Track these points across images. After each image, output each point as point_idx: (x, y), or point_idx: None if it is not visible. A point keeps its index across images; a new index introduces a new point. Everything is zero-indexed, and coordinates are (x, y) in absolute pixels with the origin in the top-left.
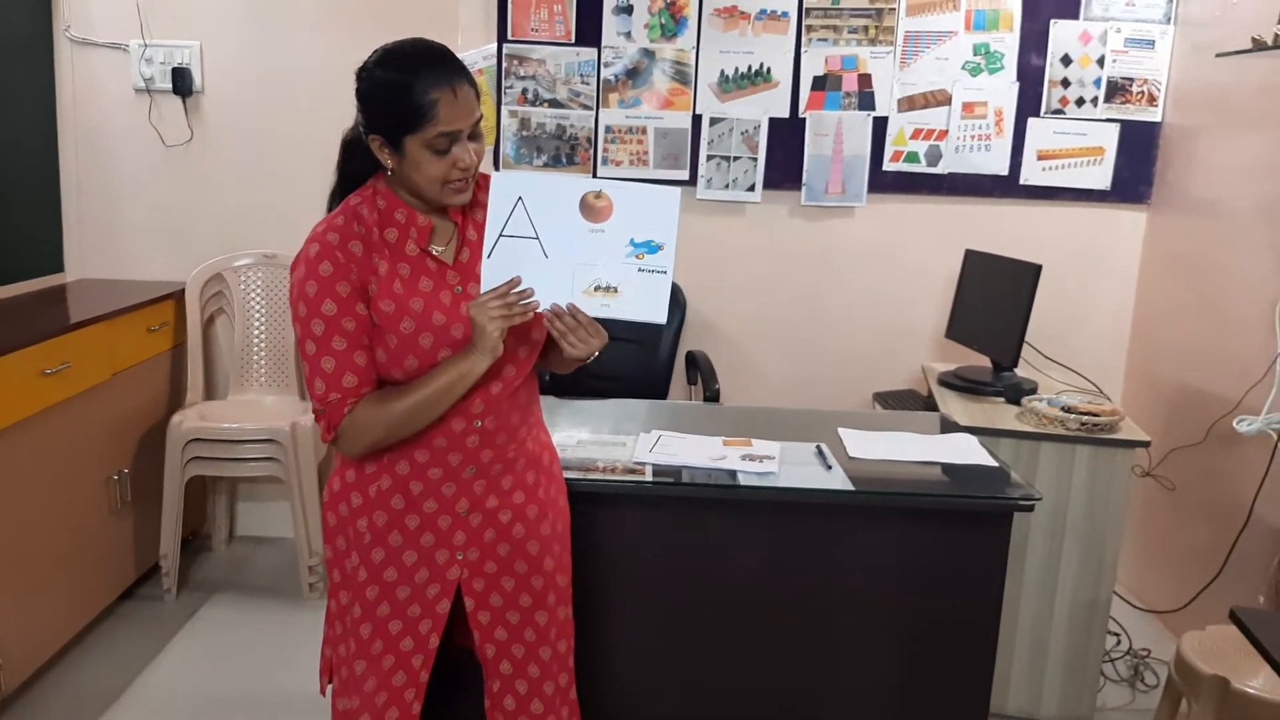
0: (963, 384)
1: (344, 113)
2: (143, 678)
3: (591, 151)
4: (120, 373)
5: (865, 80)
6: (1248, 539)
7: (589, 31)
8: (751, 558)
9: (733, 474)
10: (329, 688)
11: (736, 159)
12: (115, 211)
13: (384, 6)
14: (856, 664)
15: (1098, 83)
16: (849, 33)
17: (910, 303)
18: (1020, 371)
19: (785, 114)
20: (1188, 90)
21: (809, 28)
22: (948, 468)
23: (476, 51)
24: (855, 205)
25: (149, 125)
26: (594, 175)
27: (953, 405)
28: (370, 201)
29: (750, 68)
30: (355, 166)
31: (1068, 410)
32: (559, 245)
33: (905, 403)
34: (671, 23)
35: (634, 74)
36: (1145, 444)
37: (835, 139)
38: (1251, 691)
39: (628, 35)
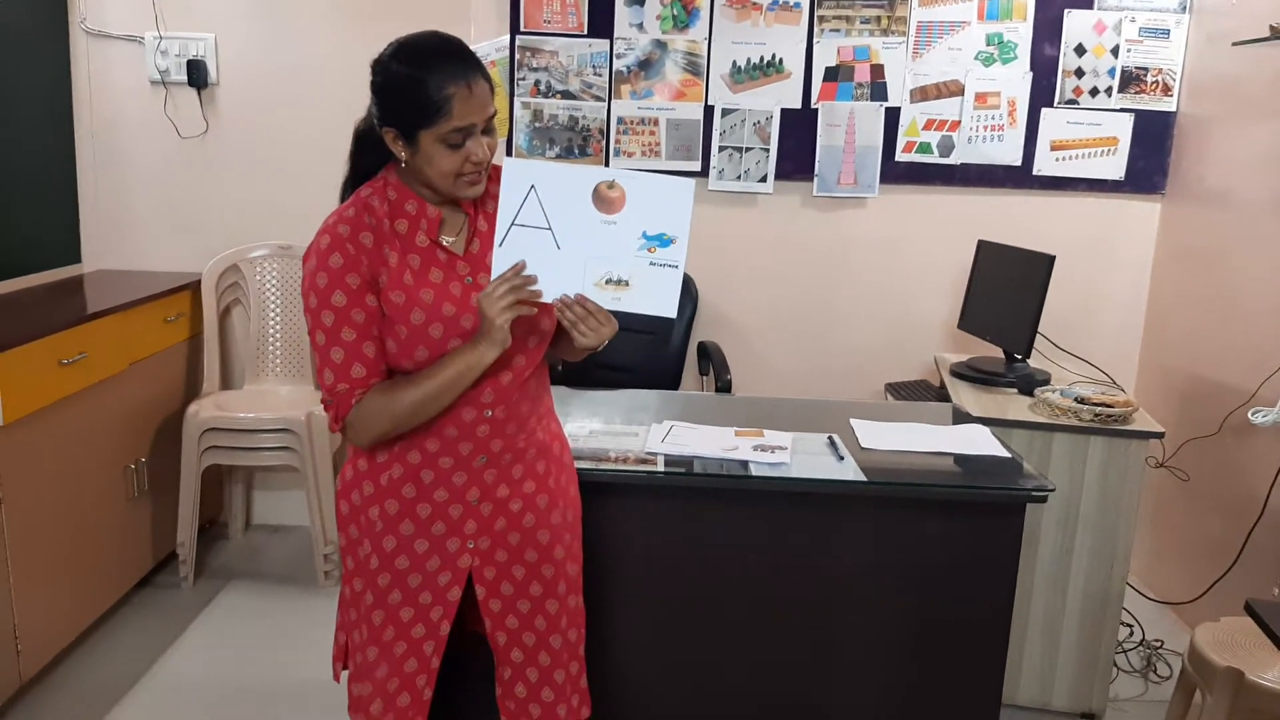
0: (975, 375)
1: (358, 105)
2: (159, 664)
3: (604, 143)
4: (137, 363)
5: (878, 71)
6: (1262, 531)
7: (601, 23)
8: (763, 548)
9: (745, 464)
10: (343, 674)
11: (748, 150)
12: (131, 203)
13: None
14: (868, 654)
15: (1112, 72)
16: (861, 23)
17: (923, 293)
18: (1033, 362)
19: (797, 105)
20: (1203, 80)
21: (821, 18)
22: (960, 459)
23: (489, 43)
24: (867, 196)
25: (164, 117)
26: (606, 166)
27: (965, 396)
28: (381, 193)
29: (762, 58)
30: (368, 157)
31: (1081, 401)
32: (571, 236)
33: (917, 393)
34: (683, 14)
35: (646, 65)
36: (1159, 435)
37: (847, 130)
38: (1266, 684)
39: (640, 26)
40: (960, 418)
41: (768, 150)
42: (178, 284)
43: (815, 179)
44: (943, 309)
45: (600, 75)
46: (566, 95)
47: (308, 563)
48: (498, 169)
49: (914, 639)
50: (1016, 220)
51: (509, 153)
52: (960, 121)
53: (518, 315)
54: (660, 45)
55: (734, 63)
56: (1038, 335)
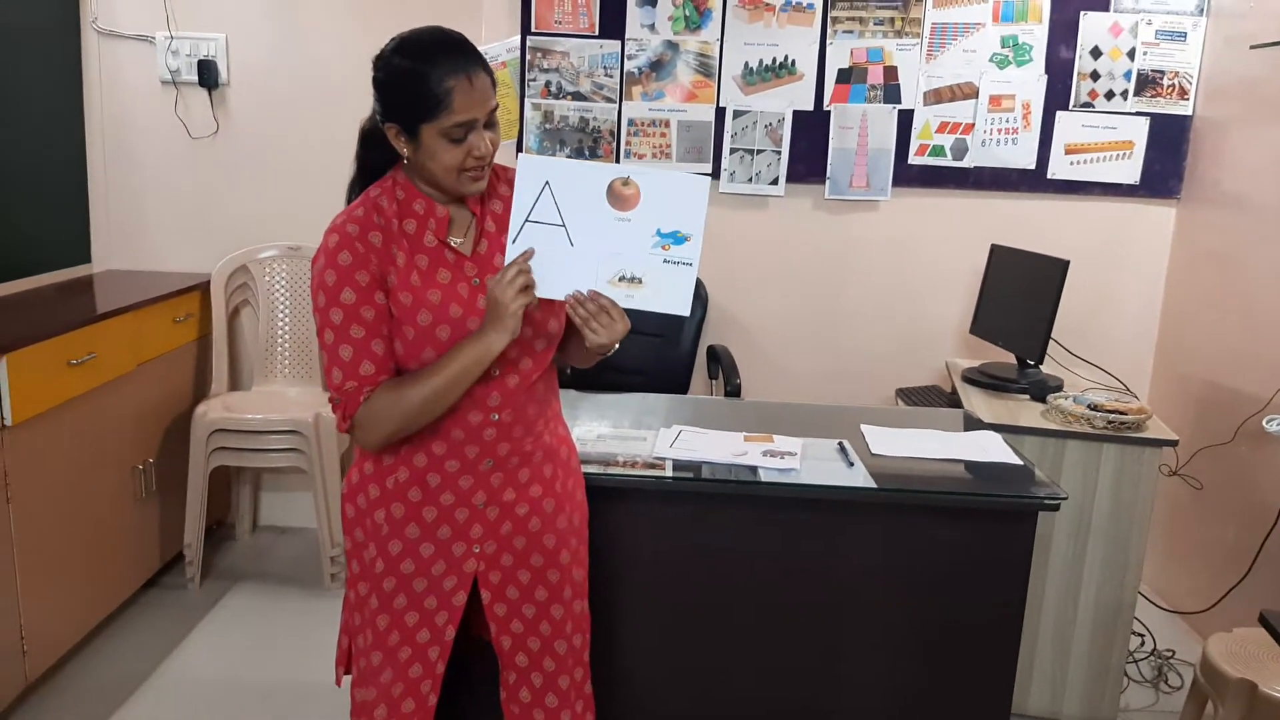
0: (987, 381)
1: (369, 105)
2: (166, 665)
3: (614, 144)
4: (146, 363)
5: (891, 73)
6: (1276, 540)
7: (612, 24)
8: (772, 555)
9: (754, 470)
10: (346, 678)
11: (760, 152)
12: (141, 203)
13: None
14: (877, 662)
15: (1128, 75)
16: (875, 24)
17: (934, 298)
18: (1046, 368)
19: (810, 107)
20: (1220, 83)
21: (834, 19)
22: (971, 465)
23: (500, 44)
24: (880, 199)
25: (175, 117)
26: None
27: (977, 402)
28: (390, 193)
29: (774, 60)
30: (374, 156)
31: (1094, 408)
32: (585, 233)
33: (928, 399)
34: (695, 15)
35: (657, 66)
36: (1173, 443)
37: (860, 132)
38: (1279, 696)
39: (651, 27)
40: (972, 424)
41: (779, 152)
42: (187, 284)
43: (827, 182)
44: (955, 314)
45: (611, 76)
46: (577, 96)
47: (315, 565)
48: (506, 170)
49: (923, 647)
50: (1030, 224)
51: (519, 153)
52: (974, 124)
53: (529, 302)
54: (672, 46)
55: (746, 64)
56: (1051, 341)
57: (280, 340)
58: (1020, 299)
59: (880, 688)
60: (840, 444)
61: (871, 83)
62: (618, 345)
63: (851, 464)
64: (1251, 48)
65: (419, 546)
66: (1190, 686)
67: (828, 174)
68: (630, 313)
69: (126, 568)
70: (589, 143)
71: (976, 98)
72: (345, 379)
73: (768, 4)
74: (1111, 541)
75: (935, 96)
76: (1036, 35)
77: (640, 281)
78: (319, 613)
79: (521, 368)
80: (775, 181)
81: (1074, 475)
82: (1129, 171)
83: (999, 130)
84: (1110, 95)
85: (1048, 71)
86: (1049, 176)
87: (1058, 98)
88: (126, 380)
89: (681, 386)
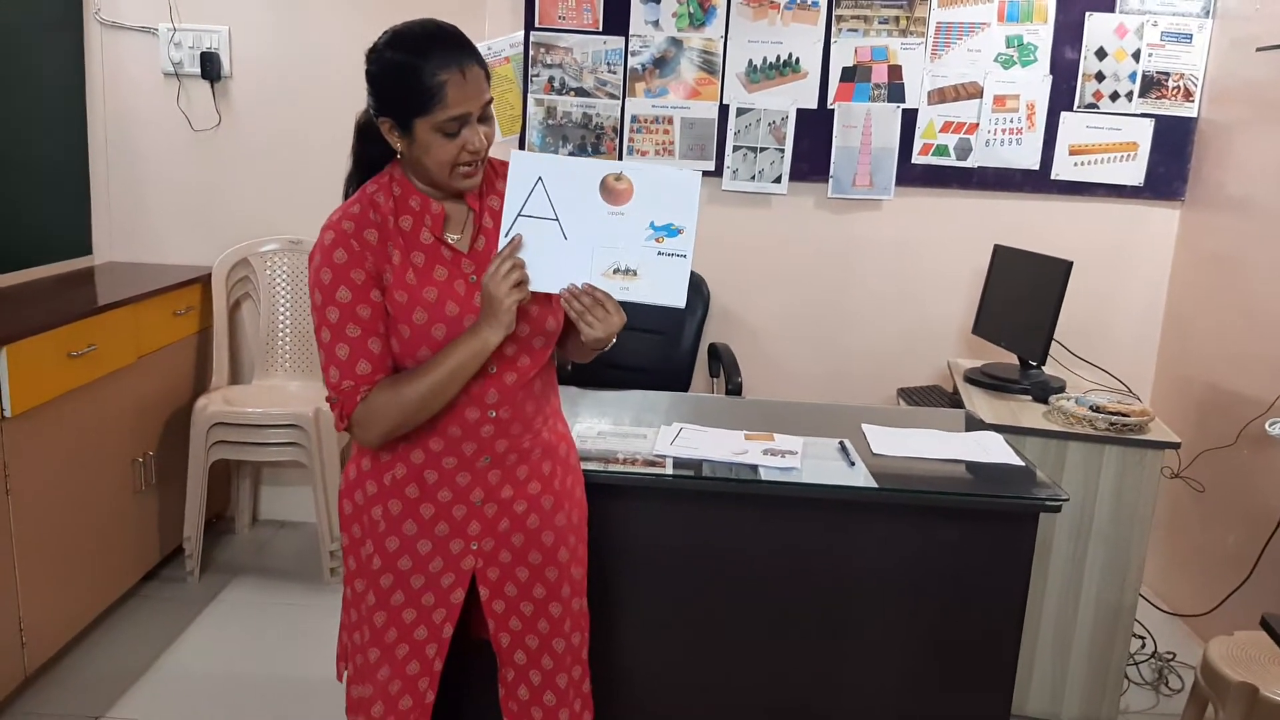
0: (989, 381)
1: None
2: (165, 658)
3: (617, 141)
4: (146, 356)
5: (895, 72)
6: (1278, 544)
7: (616, 20)
8: (772, 554)
9: (754, 469)
10: (346, 673)
11: (763, 150)
12: (143, 196)
13: None
14: (876, 663)
15: (1133, 77)
16: (879, 23)
17: (937, 298)
18: (1048, 369)
19: (813, 105)
20: (1225, 85)
21: (839, 18)
22: (973, 466)
23: (503, 39)
24: (883, 198)
25: (177, 110)
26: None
27: (979, 402)
28: (386, 189)
29: (779, 58)
30: (370, 150)
31: (1096, 410)
32: (578, 227)
33: (930, 399)
34: (700, 12)
35: (661, 63)
36: (1175, 445)
37: (863, 131)
38: None
39: (655, 24)
40: (973, 424)
41: (782, 151)
42: (188, 277)
43: (830, 180)
44: (957, 314)
45: (615, 73)
46: (580, 92)
47: (314, 559)
48: (505, 164)
49: (923, 647)
50: (1033, 225)
51: (521, 150)
52: (978, 124)
53: (524, 297)
54: (676, 43)
55: (750, 62)
56: (1053, 342)
57: (281, 334)
58: (1023, 300)
59: (880, 688)
60: (841, 443)
61: (875, 81)
62: (615, 340)
63: (852, 463)
64: (1257, 50)
65: (416, 543)
66: (1191, 689)
67: (831, 173)
68: (629, 309)
69: (126, 560)
70: (591, 139)
71: (981, 97)
72: (342, 378)
73: (772, 2)
74: (1113, 543)
75: (939, 96)
76: (1041, 35)
77: (635, 274)
78: (318, 607)
79: (519, 365)
80: (778, 180)
81: (1075, 477)
82: (1133, 173)
83: (1003, 130)
84: (1115, 96)
85: (1052, 72)
86: (1053, 177)
87: (1062, 98)
88: (127, 372)
89: (683, 384)
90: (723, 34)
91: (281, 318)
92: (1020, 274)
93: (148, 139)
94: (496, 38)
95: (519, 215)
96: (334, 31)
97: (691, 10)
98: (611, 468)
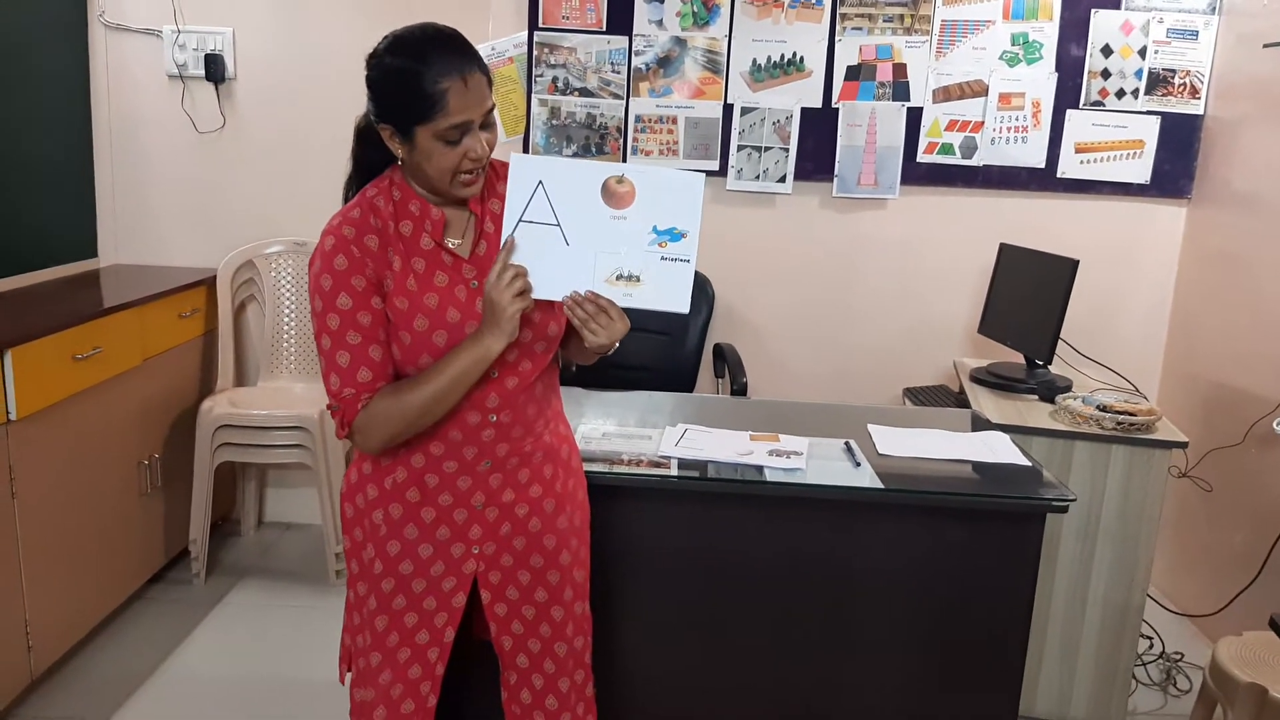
0: (995, 380)
1: None
2: (170, 661)
3: (621, 141)
4: (151, 358)
5: (900, 70)
6: None
7: (620, 19)
8: (778, 555)
9: (759, 469)
10: (349, 676)
11: (768, 149)
12: (148, 198)
13: None
14: (883, 664)
15: (1139, 74)
16: (884, 21)
17: (942, 297)
18: (1055, 369)
19: (818, 104)
20: (1232, 82)
21: (843, 16)
22: (979, 466)
23: (507, 39)
24: (888, 197)
25: (182, 111)
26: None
27: (985, 402)
28: (386, 193)
29: (783, 57)
30: (370, 154)
31: (1103, 409)
32: (580, 232)
33: (936, 399)
34: (704, 11)
35: (665, 63)
36: (1182, 445)
37: (868, 130)
38: None
39: (659, 23)
40: (980, 424)
41: (787, 150)
42: (193, 279)
43: (835, 179)
44: (963, 313)
45: (619, 72)
46: (584, 92)
47: (319, 561)
48: (504, 165)
49: (930, 648)
50: (1039, 224)
51: (525, 150)
52: (984, 122)
53: (527, 305)
54: (680, 42)
55: (754, 61)
56: (1060, 341)
57: (286, 336)
58: (1029, 299)
59: (886, 689)
60: (847, 443)
61: (880, 80)
62: (618, 344)
63: (858, 464)
64: (1264, 46)
65: (417, 547)
66: (1199, 690)
67: (836, 172)
68: (631, 311)
69: (131, 563)
70: (595, 139)
71: (986, 95)
72: (343, 386)
73: (776, 0)
74: (1120, 543)
75: (944, 94)
76: (1047, 33)
77: (638, 280)
78: (324, 609)
79: (521, 369)
80: (783, 179)
81: (1082, 476)
82: (1139, 171)
83: (1008, 128)
84: (1121, 94)
85: (1058, 69)
86: (1058, 175)
87: (1068, 96)
88: (132, 375)
89: (687, 385)
90: (727, 33)
91: (286, 319)
92: (1026, 273)
93: (152, 141)
94: (500, 38)
95: (520, 221)
96: (338, 33)
97: (695, 9)
98: (616, 469)
